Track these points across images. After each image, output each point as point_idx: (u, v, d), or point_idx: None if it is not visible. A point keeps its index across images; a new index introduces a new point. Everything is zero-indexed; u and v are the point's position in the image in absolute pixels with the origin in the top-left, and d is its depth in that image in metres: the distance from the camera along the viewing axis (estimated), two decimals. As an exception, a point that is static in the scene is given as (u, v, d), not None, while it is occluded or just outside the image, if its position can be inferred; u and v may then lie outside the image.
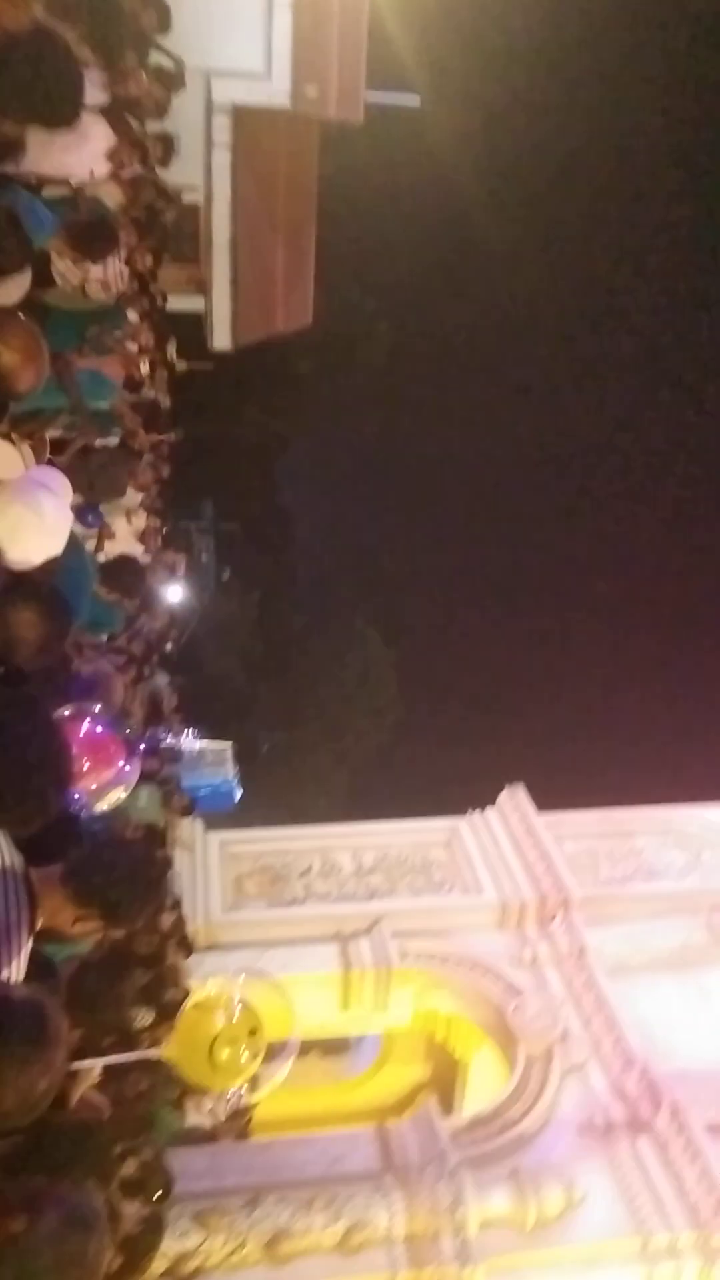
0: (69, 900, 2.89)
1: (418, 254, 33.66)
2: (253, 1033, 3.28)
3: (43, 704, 2.70)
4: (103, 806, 3.71)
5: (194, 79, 13.47)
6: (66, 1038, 2.44)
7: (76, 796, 3.49)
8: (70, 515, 3.38)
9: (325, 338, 26.16)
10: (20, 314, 3.29)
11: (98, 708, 3.62)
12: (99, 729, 3.54)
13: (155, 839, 7.39)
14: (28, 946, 2.82)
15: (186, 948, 8.01)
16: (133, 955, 6.42)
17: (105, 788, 3.64)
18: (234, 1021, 3.27)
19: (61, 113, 3.15)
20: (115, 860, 2.96)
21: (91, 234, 4.90)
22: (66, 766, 2.63)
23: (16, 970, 2.76)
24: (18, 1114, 2.20)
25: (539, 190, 34.64)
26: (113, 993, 3.87)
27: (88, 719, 3.52)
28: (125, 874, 2.97)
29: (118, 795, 3.77)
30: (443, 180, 31.35)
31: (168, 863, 8.65)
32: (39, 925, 2.86)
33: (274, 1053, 3.51)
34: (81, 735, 3.46)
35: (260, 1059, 3.28)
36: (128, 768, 3.74)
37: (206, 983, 3.39)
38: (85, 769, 3.49)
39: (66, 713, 3.49)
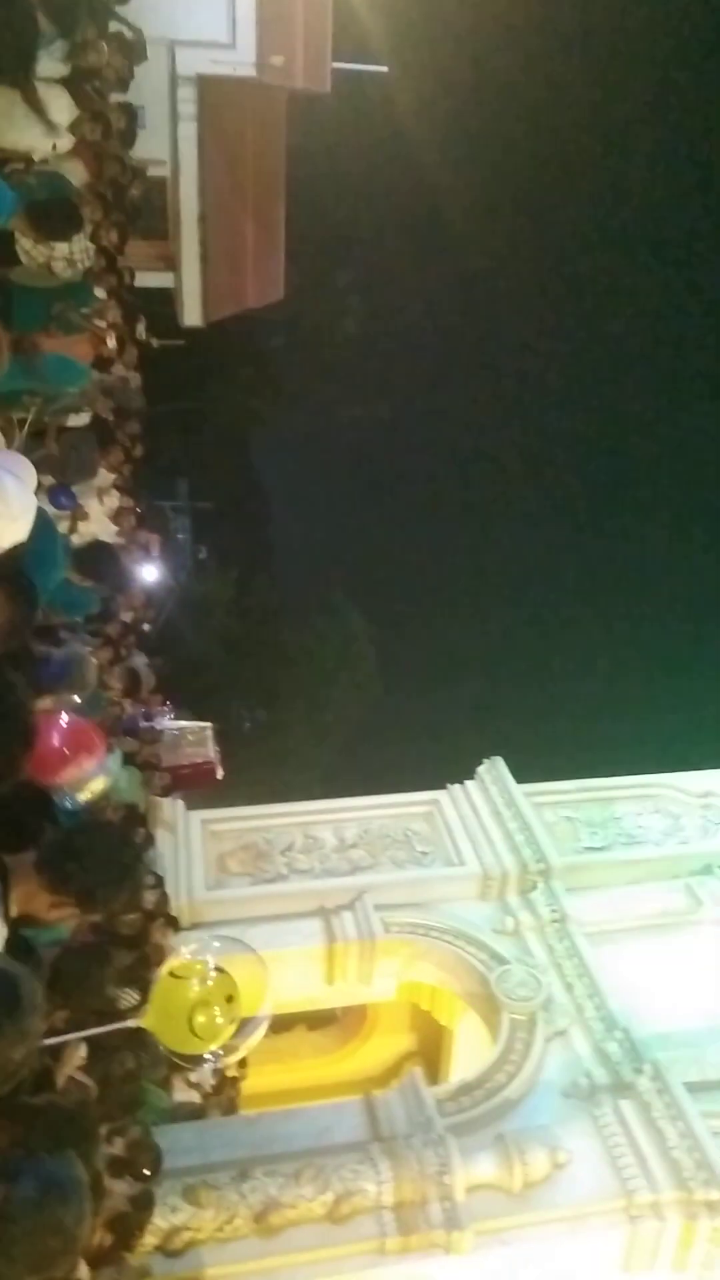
0: (43, 887, 2.90)
1: (389, 224, 33.39)
2: (229, 999, 3.30)
3: (2, 666, 2.69)
4: (84, 796, 3.73)
5: (157, 50, 13.26)
6: (43, 1007, 2.45)
7: (58, 786, 3.50)
8: (34, 501, 3.34)
9: (297, 311, 25.97)
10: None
11: (77, 699, 3.63)
12: (80, 721, 3.55)
13: (133, 821, 7.39)
14: (2, 929, 2.82)
15: (173, 925, 8.05)
16: (115, 937, 6.46)
17: (87, 778, 3.65)
18: (209, 987, 3.29)
19: (9, 63, 3.05)
20: (89, 846, 2.96)
21: (53, 214, 4.83)
22: (30, 723, 2.62)
23: None
24: None
25: (511, 156, 34.37)
26: (93, 978, 3.89)
27: (68, 711, 3.53)
28: (99, 860, 2.97)
29: (99, 785, 3.80)
30: (413, 149, 31.03)
31: (148, 841, 8.68)
32: (14, 912, 2.87)
33: (250, 1021, 3.52)
34: (63, 727, 3.46)
35: (237, 1022, 3.31)
36: (108, 759, 3.77)
37: (181, 950, 3.41)
38: (67, 759, 3.50)
39: (47, 705, 3.50)
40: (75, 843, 2.93)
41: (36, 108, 6.09)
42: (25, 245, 6.15)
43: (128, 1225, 5.39)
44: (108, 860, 2.98)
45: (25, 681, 3.65)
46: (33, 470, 3.53)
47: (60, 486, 7.74)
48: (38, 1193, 2.22)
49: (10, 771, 2.70)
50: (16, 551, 3.41)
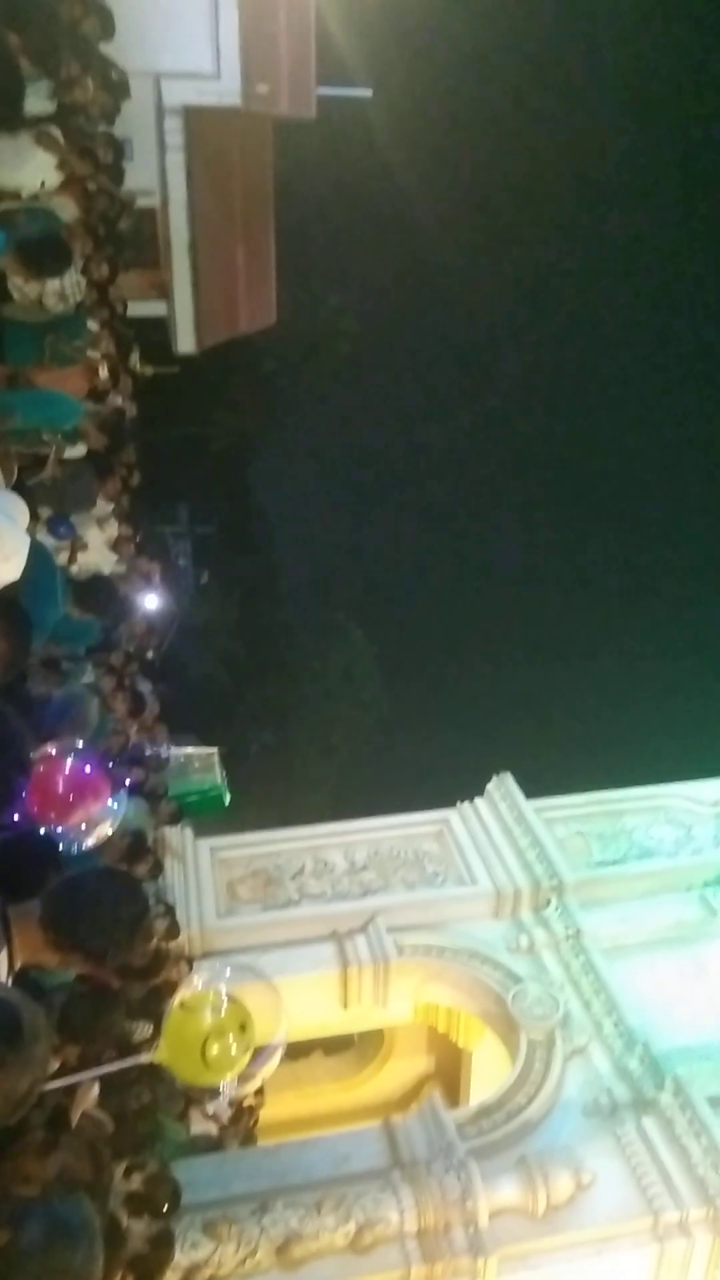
0: (49, 945, 2.85)
1: (379, 245, 33.58)
2: (242, 1027, 3.26)
3: None
4: (91, 841, 3.70)
5: (143, 82, 13.38)
6: (47, 1035, 2.40)
7: (63, 832, 3.48)
8: (27, 539, 3.32)
9: (290, 335, 26.08)
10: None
11: (80, 744, 3.61)
12: (85, 766, 3.52)
13: (139, 852, 7.34)
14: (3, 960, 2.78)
15: (188, 964, 8.00)
16: (127, 970, 6.40)
17: (94, 822, 3.63)
18: (222, 1017, 3.24)
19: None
20: (93, 906, 2.89)
21: (43, 251, 4.85)
22: (22, 749, 2.60)
23: None
24: (2, 1115, 2.17)
25: (497, 172, 34.65)
26: (103, 1022, 3.84)
27: (72, 756, 3.50)
28: (105, 921, 2.90)
29: (105, 830, 3.77)
30: (400, 169, 31.30)
31: (156, 869, 8.61)
32: (19, 963, 2.83)
33: (265, 1049, 3.48)
34: (67, 773, 3.44)
35: (250, 1052, 3.26)
36: (114, 803, 3.74)
37: (193, 980, 3.36)
38: (72, 805, 3.47)
39: (51, 751, 3.47)
40: (79, 902, 2.85)
41: (47, 142, 6.18)
42: (17, 282, 6.19)
43: (148, 1266, 5.32)
44: (114, 919, 2.89)
45: (18, 711, 3.63)
46: (25, 508, 3.52)
47: (58, 517, 7.74)
48: (45, 1236, 2.20)
49: (8, 799, 2.67)
50: (8, 594, 3.38)
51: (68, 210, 6.98)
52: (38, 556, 4.87)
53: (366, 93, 18.48)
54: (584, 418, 38.99)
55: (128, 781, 7.09)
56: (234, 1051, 3.22)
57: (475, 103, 31.73)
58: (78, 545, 8.27)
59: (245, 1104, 9.87)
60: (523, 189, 35.18)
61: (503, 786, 11.80)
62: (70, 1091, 4.56)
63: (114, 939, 2.93)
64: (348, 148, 26.78)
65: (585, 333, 38.07)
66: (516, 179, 34.88)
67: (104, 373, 8.70)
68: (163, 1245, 5.48)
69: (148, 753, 10.54)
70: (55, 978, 3.56)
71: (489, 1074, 11.00)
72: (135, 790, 9.07)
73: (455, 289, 35.79)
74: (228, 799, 15.63)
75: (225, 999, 3.25)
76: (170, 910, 8.44)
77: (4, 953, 2.75)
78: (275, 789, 27.56)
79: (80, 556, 8.41)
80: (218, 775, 15.52)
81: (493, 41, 30.56)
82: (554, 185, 35.42)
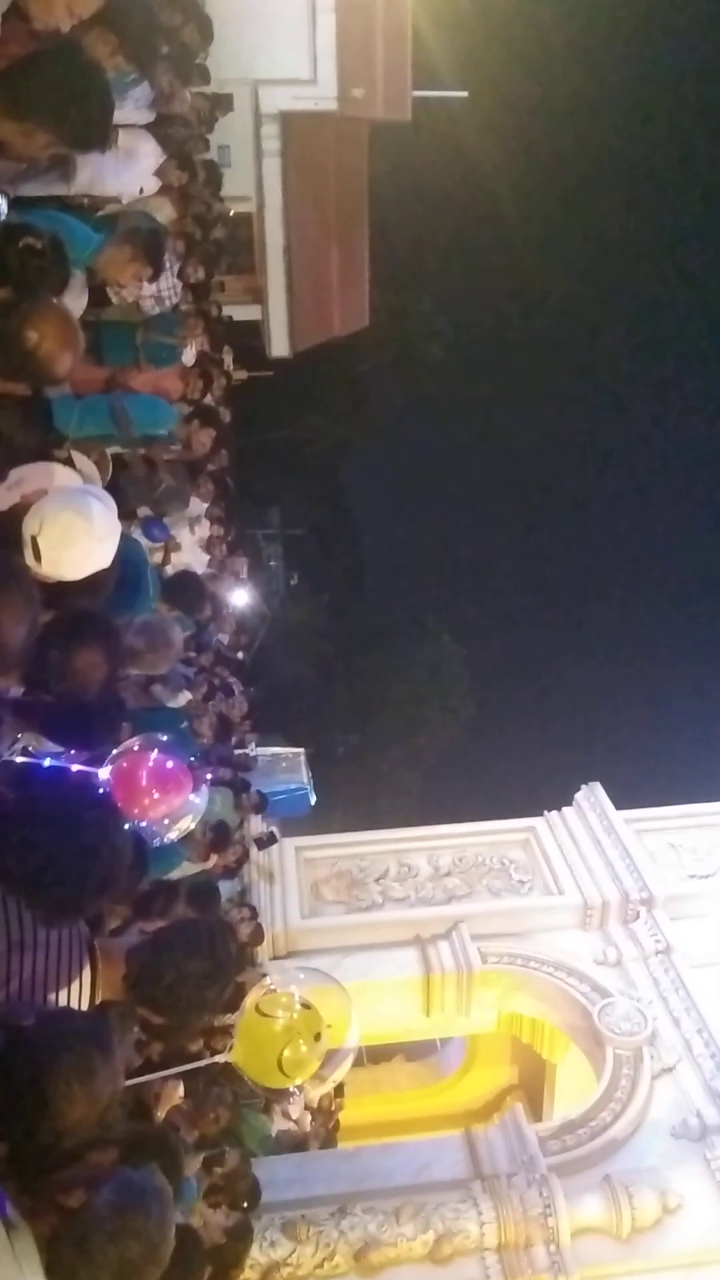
0: (131, 1001, 2.92)
1: (472, 249, 33.40)
2: (316, 1035, 3.25)
3: (111, 810, 2.70)
4: (173, 835, 3.72)
5: (241, 89, 13.58)
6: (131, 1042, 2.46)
7: (146, 826, 3.51)
8: (119, 525, 3.33)
9: (383, 338, 26.13)
10: (53, 299, 3.25)
11: (164, 738, 3.62)
12: (167, 758, 3.53)
13: (222, 845, 7.36)
14: (85, 990, 2.81)
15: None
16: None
17: (176, 818, 3.65)
18: (295, 1020, 3.25)
19: (89, 136, 3.11)
20: (180, 975, 2.94)
21: (149, 241, 4.91)
22: (118, 873, 2.62)
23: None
24: (93, 1124, 2.22)
25: (592, 177, 34.13)
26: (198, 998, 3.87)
27: (155, 749, 3.52)
28: (187, 996, 2.97)
29: (187, 824, 3.79)
30: (495, 171, 31.04)
31: (244, 858, 8.59)
32: (100, 997, 2.87)
33: (337, 1053, 3.47)
34: (150, 767, 3.46)
35: (322, 1055, 3.26)
36: (197, 798, 3.75)
37: (266, 982, 3.37)
38: (155, 800, 3.49)
39: (135, 746, 3.50)
40: (166, 976, 2.93)
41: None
42: (115, 286, 6.32)
43: (224, 1257, 5.35)
44: (198, 997, 2.98)
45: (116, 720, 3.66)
46: (113, 502, 3.54)
47: (152, 519, 7.87)
48: (119, 1199, 2.24)
49: (76, 909, 2.67)
50: (99, 579, 3.34)
51: (164, 213, 7.10)
52: (133, 557, 4.94)
53: (462, 94, 18.39)
54: (696, 423, 38.00)
55: (209, 777, 7.13)
56: (306, 1054, 3.22)
57: (572, 103, 31.27)
58: (171, 546, 8.39)
59: (327, 1108, 9.88)
60: (621, 192, 34.55)
61: (592, 796, 11.55)
62: (153, 1087, 4.61)
63: (193, 1014, 3.02)
64: (443, 149, 26.71)
65: (691, 337, 37.12)
66: (615, 181, 34.27)
67: (200, 380, 8.79)
68: (239, 1237, 5.50)
69: (236, 752, 10.64)
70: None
71: (573, 1088, 10.78)
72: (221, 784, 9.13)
73: (551, 293, 35.34)
74: (314, 799, 15.70)
75: (298, 1003, 3.25)
76: (255, 914, 8.47)
77: (86, 982, 2.79)
78: (361, 791, 27.61)
79: (173, 558, 8.54)
80: (304, 775, 15.61)
81: (589, 40, 30.09)
82: (654, 188, 34.70)
